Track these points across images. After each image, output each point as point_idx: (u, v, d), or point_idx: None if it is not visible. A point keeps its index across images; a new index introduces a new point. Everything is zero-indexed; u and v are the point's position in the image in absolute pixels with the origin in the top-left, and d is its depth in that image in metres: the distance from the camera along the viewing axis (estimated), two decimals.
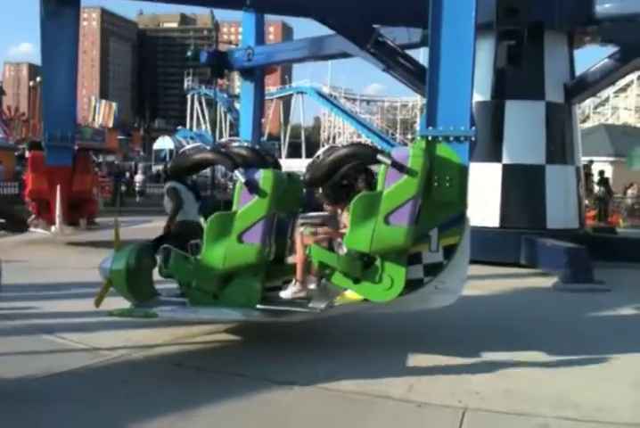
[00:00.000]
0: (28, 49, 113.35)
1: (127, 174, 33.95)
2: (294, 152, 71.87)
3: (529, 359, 6.07)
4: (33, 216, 13.42)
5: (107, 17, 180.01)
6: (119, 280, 6.23)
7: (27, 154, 14.76)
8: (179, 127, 78.75)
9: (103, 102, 57.89)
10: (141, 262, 6.30)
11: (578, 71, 13.27)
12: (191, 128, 74.19)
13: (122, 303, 6.30)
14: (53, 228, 13.10)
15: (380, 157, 5.80)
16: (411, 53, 15.08)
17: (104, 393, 4.92)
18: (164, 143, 56.01)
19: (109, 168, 37.23)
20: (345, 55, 17.54)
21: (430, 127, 6.12)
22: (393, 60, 14.06)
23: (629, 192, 26.08)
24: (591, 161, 21.60)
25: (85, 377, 5.31)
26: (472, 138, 6.00)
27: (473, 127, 6.02)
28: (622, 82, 51.67)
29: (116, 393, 4.91)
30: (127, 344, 6.17)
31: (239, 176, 6.10)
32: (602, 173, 22.54)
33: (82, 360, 5.66)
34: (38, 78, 37.69)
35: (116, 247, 6.64)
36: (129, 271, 6.19)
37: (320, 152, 6.26)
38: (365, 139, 62.88)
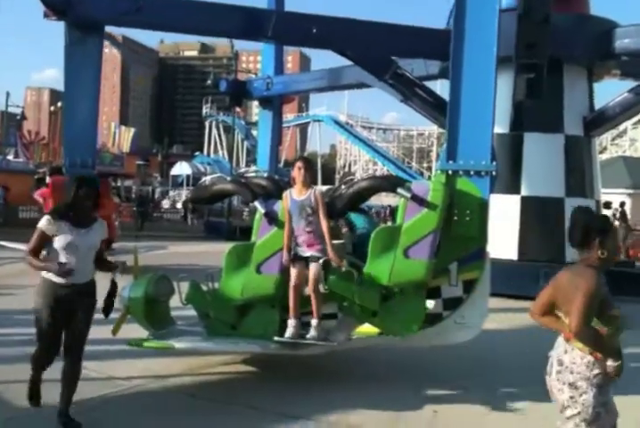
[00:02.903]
0: (52, 74, 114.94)
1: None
2: None
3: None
4: None
5: (129, 44, 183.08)
6: (137, 308, 6.22)
7: (47, 179, 14.85)
8: (197, 153, 79.38)
9: (123, 127, 58.59)
10: (159, 291, 6.30)
11: (598, 105, 13.30)
12: (208, 154, 74.76)
13: (139, 331, 6.30)
14: None
15: (400, 190, 5.81)
16: (428, 84, 15.21)
17: (120, 423, 4.91)
18: (181, 168, 56.42)
19: (127, 194, 37.75)
20: (363, 85, 17.70)
21: (450, 161, 6.14)
22: (411, 91, 14.17)
23: None
24: (623, 202, 21.60)
25: (100, 407, 5.29)
26: (493, 173, 6.00)
27: (494, 162, 6.03)
28: None
29: (132, 423, 4.89)
30: (144, 374, 6.16)
31: (258, 206, 6.13)
32: (622, 205, 22.27)
33: (98, 389, 5.64)
34: (59, 104, 38.40)
35: (135, 274, 6.66)
36: (147, 300, 6.18)
37: (341, 185, 6.28)
38: (381, 167, 63.10)
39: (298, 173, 5.87)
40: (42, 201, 15.14)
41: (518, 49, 10.69)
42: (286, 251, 5.85)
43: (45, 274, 4.69)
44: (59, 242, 4.62)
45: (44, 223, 4.66)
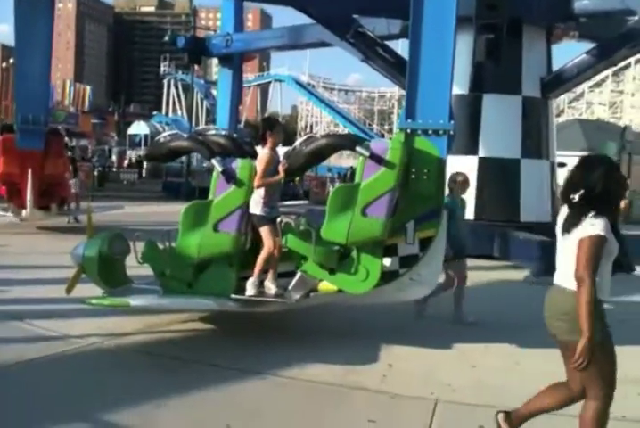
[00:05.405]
0: (2, 29, 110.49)
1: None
2: None
3: (498, 351, 6.14)
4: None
5: None
6: (92, 267, 6.16)
7: None
8: (155, 113, 77.77)
9: (78, 85, 57.05)
10: (114, 249, 6.24)
11: (555, 67, 13.39)
12: (166, 114, 73.35)
13: (94, 290, 6.25)
14: (23, 212, 12.91)
15: (358, 149, 5.79)
16: (390, 44, 15.08)
17: (77, 381, 4.88)
18: (139, 128, 55.34)
19: (82, 152, 37.08)
20: (324, 45, 17.50)
21: (409, 120, 6.13)
22: (372, 50, 14.07)
23: None
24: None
25: (56, 365, 5.26)
26: (451, 132, 6.02)
27: (452, 121, 6.04)
28: (597, 77, 52.21)
29: (88, 381, 4.87)
30: (99, 332, 6.11)
31: (216, 165, 6.06)
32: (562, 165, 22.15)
33: (53, 348, 5.59)
34: (11, 60, 37.09)
35: (89, 234, 6.58)
36: (102, 258, 6.12)
37: (298, 142, 6.22)
38: (343, 129, 62.91)
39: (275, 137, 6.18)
40: None
41: (478, 9, 10.66)
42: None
43: None
44: (609, 254, 3.30)
45: (607, 228, 3.20)
